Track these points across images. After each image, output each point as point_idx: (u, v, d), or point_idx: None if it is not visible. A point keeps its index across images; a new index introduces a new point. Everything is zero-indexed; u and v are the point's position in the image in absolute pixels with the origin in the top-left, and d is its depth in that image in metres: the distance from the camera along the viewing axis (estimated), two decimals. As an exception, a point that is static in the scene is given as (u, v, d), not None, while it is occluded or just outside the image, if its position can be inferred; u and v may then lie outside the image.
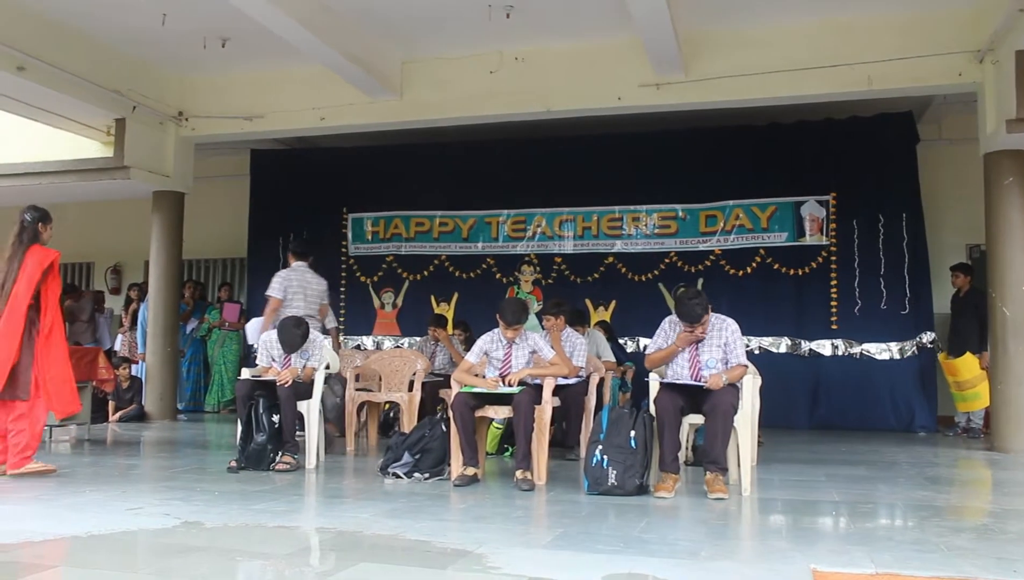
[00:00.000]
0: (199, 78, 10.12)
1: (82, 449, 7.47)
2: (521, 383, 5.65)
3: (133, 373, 10.47)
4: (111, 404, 10.09)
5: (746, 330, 9.69)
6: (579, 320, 8.04)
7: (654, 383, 5.36)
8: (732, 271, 10.41)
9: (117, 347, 11.48)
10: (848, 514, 4.67)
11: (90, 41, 8.97)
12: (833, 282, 10.12)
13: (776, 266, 10.28)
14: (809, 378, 10.06)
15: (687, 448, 6.20)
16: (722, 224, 10.49)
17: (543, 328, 7.21)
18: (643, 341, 9.97)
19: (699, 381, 5.28)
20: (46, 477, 5.68)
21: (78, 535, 3.97)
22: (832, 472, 6.31)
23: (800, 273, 10.21)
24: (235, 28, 8.51)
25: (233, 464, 6.03)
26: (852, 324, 10.01)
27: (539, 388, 5.74)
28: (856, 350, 9.99)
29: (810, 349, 10.13)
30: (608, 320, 10.16)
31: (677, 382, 5.27)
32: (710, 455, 5.19)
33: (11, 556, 3.57)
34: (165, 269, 10.39)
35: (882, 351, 9.89)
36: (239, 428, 6.23)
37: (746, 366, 5.41)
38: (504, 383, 5.69)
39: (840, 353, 10.03)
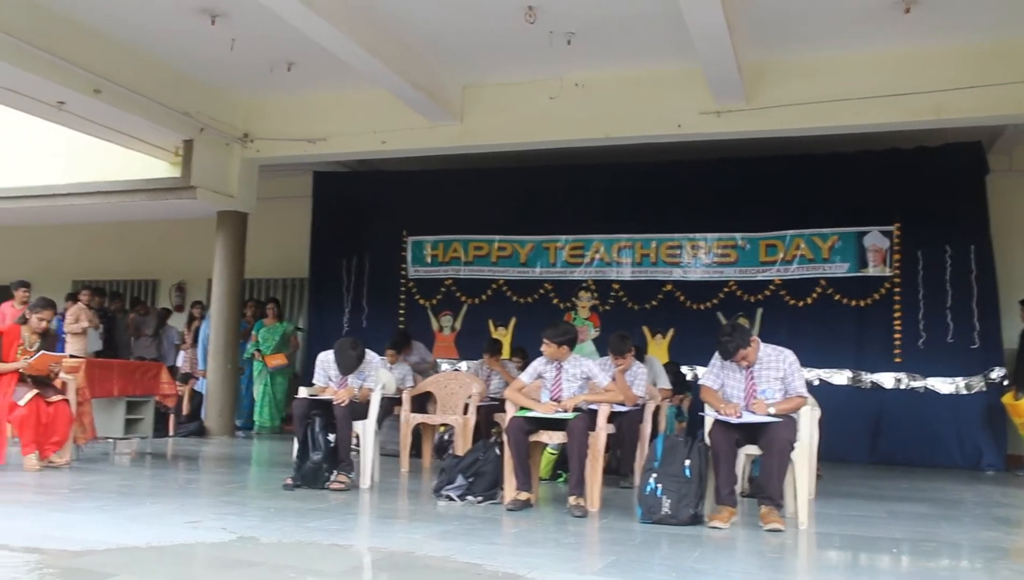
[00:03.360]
0: (264, 101, 10.36)
1: (143, 462, 7.62)
2: (576, 409, 5.63)
3: (196, 389, 10.67)
4: (171, 418, 10.28)
5: (806, 361, 9.51)
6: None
7: (708, 419, 5.30)
8: (792, 301, 10.26)
9: (179, 363, 11.71)
10: (909, 552, 4.54)
11: (162, 65, 9.25)
12: (896, 314, 9.91)
13: (837, 297, 10.10)
14: (871, 411, 9.84)
15: (744, 479, 6.09)
16: (782, 254, 10.36)
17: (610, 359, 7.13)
18: (700, 369, 9.86)
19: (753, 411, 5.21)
20: (109, 488, 5.81)
21: (138, 546, 4.04)
22: (893, 509, 6.15)
23: (862, 304, 10.02)
24: (301, 53, 8.70)
25: (289, 481, 6.09)
26: (916, 357, 9.78)
27: (594, 414, 5.71)
28: (920, 384, 9.75)
29: (872, 381, 9.91)
30: (667, 349, 10.09)
31: (730, 422, 5.17)
32: (765, 491, 5.10)
33: (75, 564, 3.66)
34: (227, 288, 10.60)
35: (947, 386, 9.64)
36: (296, 446, 6.30)
37: (805, 398, 5.31)
38: (559, 408, 5.67)
39: (903, 386, 9.80)
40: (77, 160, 10.56)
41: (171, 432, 10.07)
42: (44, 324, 6.73)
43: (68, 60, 8.12)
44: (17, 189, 10.87)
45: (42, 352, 6.63)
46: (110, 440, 7.87)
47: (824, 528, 5.22)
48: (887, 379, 9.88)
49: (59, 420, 6.64)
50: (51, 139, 10.40)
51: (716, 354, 5.45)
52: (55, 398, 6.67)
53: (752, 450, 5.34)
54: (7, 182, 10.90)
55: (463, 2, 7.64)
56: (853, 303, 10.05)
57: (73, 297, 11.71)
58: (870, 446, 9.81)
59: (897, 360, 9.86)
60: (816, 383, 9.82)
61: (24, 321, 6.81)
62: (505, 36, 8.25)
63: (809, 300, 10.20)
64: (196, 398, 10.55)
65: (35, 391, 6.54)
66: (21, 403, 6.47)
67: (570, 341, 5.79)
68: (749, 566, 4.06)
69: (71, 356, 9.23)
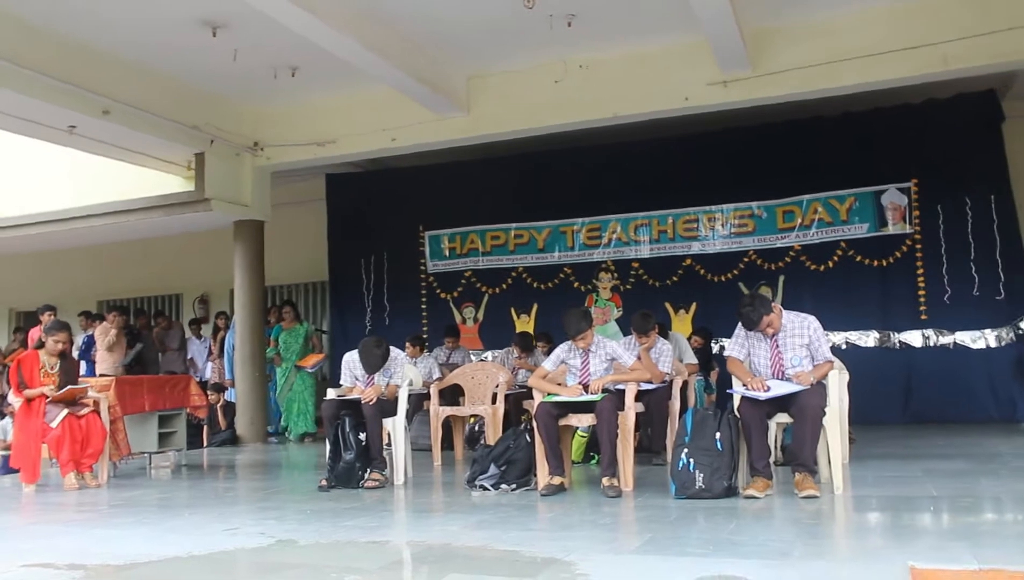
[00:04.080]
0: (272, 108, 10.39)
1: (179, 474, 7.71)
2: (603, 390, 5.63)
3: (227, 399, 10.76)
4: (204, 429, 10.39)
5: (831, 325, 9.60)
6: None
7: (736, 396, 5.28)
8: (813, 266, 10.20)
9: (207, 375, 11.80)
10: (948, 509, 4.52)
11: (168, 81, 9.30)
12: (920, 271, 9.82)
13: (859, 258, 10.03)
14: (900, 371, 9.78)
15: (776, 448, 6.07)
16: (800, 219, 10.29)
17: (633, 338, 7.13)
18: (725, 341, 9.81)
19: (781, 377, 5.19)
20: (148, 502, 5.88)
21: (179, 556, 4.09)
22: (929, 467, 6.11)
23: (884, 264, 9.94)
24: (303, 57, 8.71)
25: (324, 483, 6.14)
26: (943, 313, 9.69)
27: (622, 394, 5.71)
28: (948, 340, 9.67)
29: (900, 341, 9.84)
30: (691, 323, 10.06)
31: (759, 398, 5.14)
32: (799, 458, 5.09)
33: (117, 578, 3.72)
34: (249, 296, 10.68)
35: (977, 339, 9.56)
36: (328, 447, 6.35)
37: (832, 362, 5.29)
38: (586, 391, 5.68)
39: (932, 343, 9.72)
40: (91, 182, 10.63)
41: (205, 443, 10.18)
42: (60, 346, 6.84)
43: (76, 84, 8.18)
44: (36, 215, 10.97)
45: (68, 387, 6.73)
46: (145, 455, 7.97)
47: (860, 491, 5.20)
48: (915, 337, 9.80)
49: (92, 432, 6.75)
50: (64, 163, 10.48)
51: (739, 325, 5.43)
52: (85, 411, 6.77)
53: (783, 418, 5.32)
54: (25, 209, 11.01)
55: (460, -7, 7.63)
56: (875, 263, 9.97)
57: (89, 315, 11.84)
58: (902, 406, 9.75)
59: (924, 317, 9.77)
60: (843, 347, 9.77)
61: (41, 345, 6.91)
62: (505, 23, 8.22)
63: (830, 263, 10.13)
64: (229, 408, 10.63)
65: (66, 411, 6.65)
66: (53, 425, 6.58)
67: (587, 325, 5.78)
68: (786, 534, 4.05)
69: (101, 375, 9.38)
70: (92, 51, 8.41)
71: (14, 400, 6.83)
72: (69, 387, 6.73)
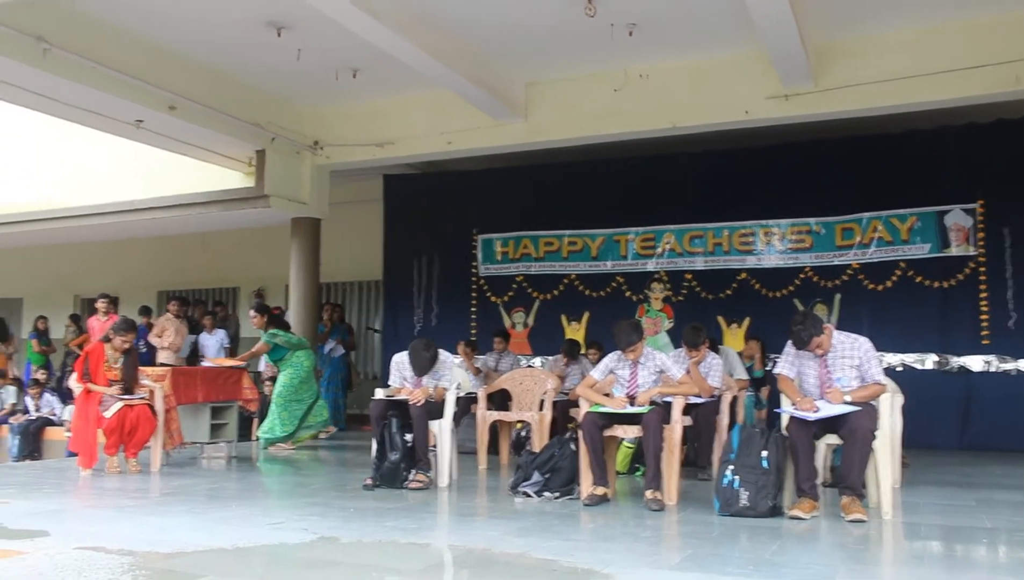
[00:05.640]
0: (332, 108, 10.53)
1: (230, 466, 7.84)
2: (651, 402, 5.60)
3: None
4: (255, 422, 10.53)
5: (888, 346, 9.44)
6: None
7: (785, 416, 5.21)
8: (871, 285, 10.00)
9: (261, 368, 11.98)
10: (1003, 542, 4.40)
11: (232, 79, 9.50)
12: (983, 294, 9.58)
13: (919, 279, 9.81)
14: (959, 396, 9.54)
15: (825, 468, 5.98)
16: (859, 237, 10.11)
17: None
18: (777, 357, 9.69)
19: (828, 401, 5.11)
20: (198, 492, 6.01)
21: (225, 547, 4.17)
22: (984, 496, 5.95)
23: (946, 286, 9.71)
24: (365, 59, 8.82)
25: (369, 482, 6.19)
26: (1006, 339, 9.43)
27: (669, 407, 5.67)
28: (1011, 366, 9.41)
29: (959, 365, 9.60)
30: (743, 338, 9.95)
31: (807, 419, 5.07)
32: (846, 481, 5.00)
33: (166, 565, 3.80)
34: (304, 292, 10.84)
35: (1041, 367, 9.30)
36: (374, 446, 6.41)
37: (883, 385, 5.18)
38: (633, 403, 5.65)
39: (993, 369, 9.47)
40: (156, 175, 10.90)
41: (254, 436, 10.33)
42: (126, 345, 7.08)
43: (144, 80, 8.40)
44: (101, 206, 11.27)
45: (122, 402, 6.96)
46: (198, 444, 8.14)
47: (910, 518, 5.09)
48: (975, 362, 9.56)
49: (141, 422, 6.95)
50: (130, 156, 10.76)
51: (789, 342, 5.36)
52: (137, 402, 6.97)
53: (832, 439, 5.24)
54: (92, 200, 11.31)
55: (523, 0, 7.65)
56: (936, 285, 9.75)
57: (147, 310, 12.12)
58: (960, 432, 9.51)
59: (985, 342, 9.52)
60: (900, 369, 9.57)
61: (107, 340, 7.12)
62: (566, 31, 8.23)
63: (889, 283, 9.93)
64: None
65: (120, 403, 6.85)
66: (107, 414, 6.80)
67: (638, 337, 5.75)
68: (831, 558, 3.99)
69: (161, 364, 9.61)
70: (160, 48, 8.63)
71: (75, 386, 7.05)
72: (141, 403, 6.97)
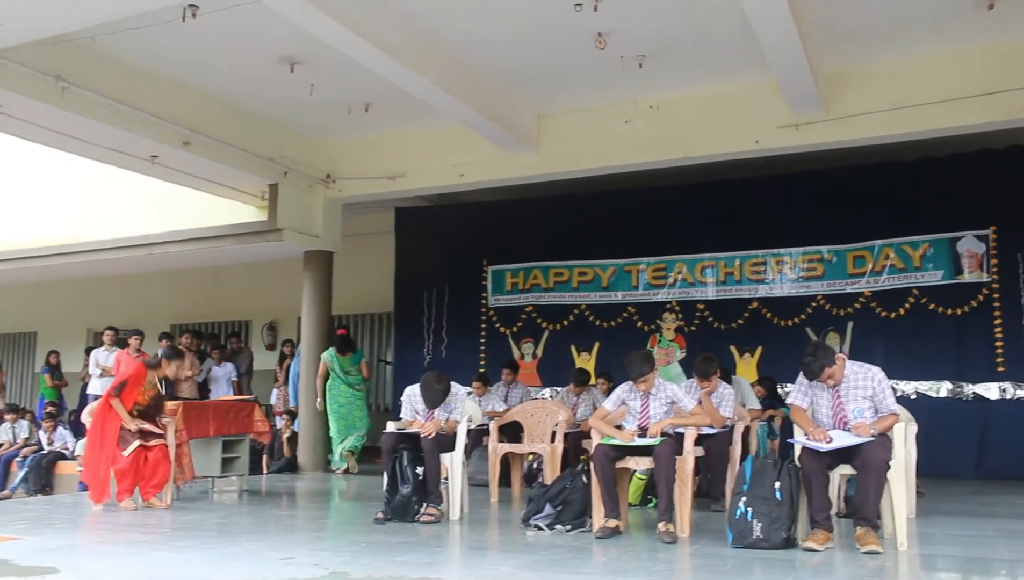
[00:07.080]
0: (345, 142, 10.61)
1: (240, 500, 7.82)
2: (663, 434, 5.57)
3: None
4: (265, 457, 10.54)
5: (902, 374, 9.38)
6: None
7: (797, 447, 5.17)
8: (884, 313, 9.94)
9: (272, 401, 11.99)
10: (1022, 574, 4.34)
11: (246, 114, 9.59)
12: (997, 321, 9.51)
13: (932, 306, 9.75)
14: (975, 424, 9.44)
15: (839, 499, 5.92)
16: (871, 265, 10.07)
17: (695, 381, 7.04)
18: (790, 386, 9.62)
19: (843, 428, 5.07)
20: (209, 527, 5.99)
21: (234, 583, 4.16)
22: (1003, 527, 5.88)
23: (959, 313, 9.65)
24: (377, 93, 8.90)
25: (380, 515, 6.17)
26: (1021, 365, 9.34)
27: (681, 438, 5.64)
28: (1028, 393, 9.33)
29: (974, 393, 9.52)
30: (756, 367, 9.90)
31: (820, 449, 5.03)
32: (861, 511, 4.96)
33: (174, 603, 3.79)
34: (316, 325, 10.86)
35: (1058, 394, 9.21)
36: (385, 480, 6.39)
37: (897, 415, 5.15)
38: (644, 434, 5.62)
39: (1009, 397, 9.37)
40: (170, 209, 10.99)
41: (264, 470, 10.33)
42: (180, 373, 7.30)
43: (159, 116, 8.48)
44: (116, 240, 11.35)
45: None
46: (209, 479, 8.12)
47: (926, 549, 5.03)
48: (991, 390, 9.47)
49: (158, 463, 6.90)
50: (145, 190, 10.85)
51: (801, 375, 5.34)
52: (155, 443, 6.93)
53: (846, 470, 5.19)
54: (107, 234, 11.41)
55: (533, 33, 7.71)
56: (949, 312, 9.69)
57: (168, 337, 12.13)
58: (976, 461, 9.40)
59: (1000, 369, 9.44)
60: (913, 397, 9.49)
61: (156, 366, 7.11)
62: (577, 63, 8.29)
63: (902, 311, 9.87)
64: (294, 437, 10.78)
65: (139, 442, 6.83)
66: (125, 454, 6.76)
67: (649, 368, 5.73)
68: (846, 591, 3.94)
69: (177, 397, 9.62)
70: (175, 84, 8.72)
71: (86, 419, 7.05)
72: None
